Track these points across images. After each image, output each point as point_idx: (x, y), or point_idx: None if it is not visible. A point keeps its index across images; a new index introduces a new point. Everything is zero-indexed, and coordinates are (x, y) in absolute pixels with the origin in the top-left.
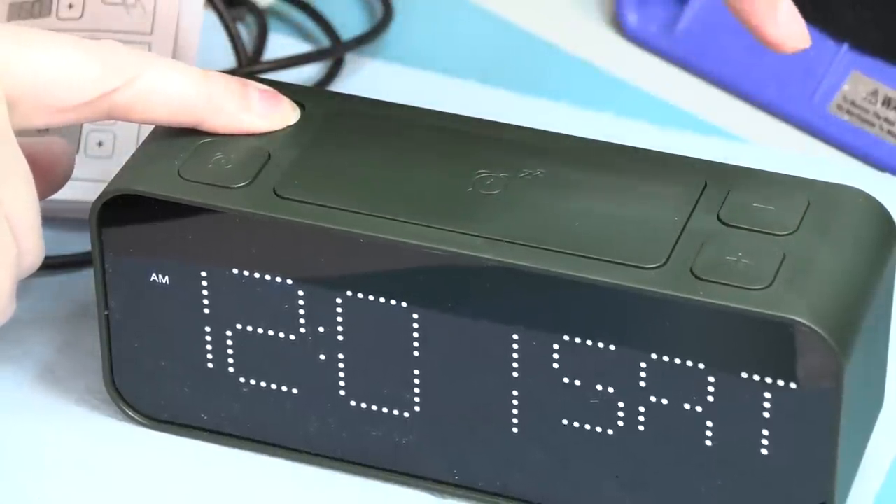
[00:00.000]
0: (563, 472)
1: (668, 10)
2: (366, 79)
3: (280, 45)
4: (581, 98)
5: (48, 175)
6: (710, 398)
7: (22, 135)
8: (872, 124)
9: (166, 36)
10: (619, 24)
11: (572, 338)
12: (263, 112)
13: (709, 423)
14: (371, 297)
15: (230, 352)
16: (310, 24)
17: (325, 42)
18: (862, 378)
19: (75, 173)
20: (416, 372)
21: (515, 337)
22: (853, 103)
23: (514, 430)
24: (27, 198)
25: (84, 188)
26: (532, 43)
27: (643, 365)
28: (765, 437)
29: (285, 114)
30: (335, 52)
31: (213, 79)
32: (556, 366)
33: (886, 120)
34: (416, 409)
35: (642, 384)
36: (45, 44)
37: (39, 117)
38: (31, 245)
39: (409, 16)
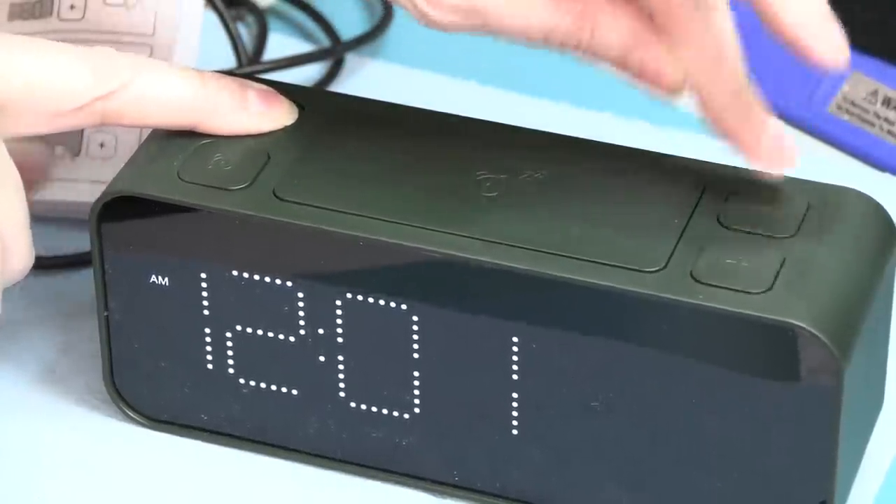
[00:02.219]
0: (563, 473)
1: None
2: (366, 79)
3: (280, 45)
4: (581, 98)
5: (26, 180)
6: (711, 400)
7: (11, 142)
8: (872, 124)
9: (167, 36)
10: None
11: (572, 340)
12: (261, 112)
13: (709, 425)
14: (371, 299)
15: (230, 353)
16: (310, 24)
17: (325, 42)
18: (862, 380)
19: (76, 174)
20: (416, 374)
21: (515, 339)
22: (853, 103)
23: (514, 431)
24: (17, 204)
25: (84, 189)
26: None
27: (643, 367)
28: (765, 438)
29: (283, 114)
30: (335, 52)
31: (210, 80)
32: (555, 368)
33: (886, 120)
34: (416, 410)
35: (642, 386)
36: (36, 50)
37: (31, 124)
38: (21, 251)
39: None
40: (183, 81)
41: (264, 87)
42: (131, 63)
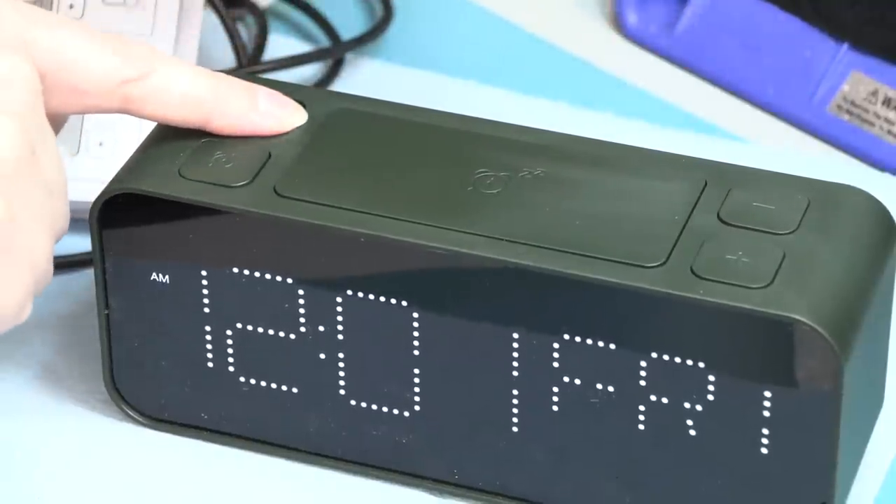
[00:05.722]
0: (563, 472)
1: (668, 10)
2: (366, 79)
3: (280, 45)
4: (581, 98)
5: None
6: (710, 397)
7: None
8: (872, 124)
9: (166, 36)
10: (619, 24)
11: (572, 337)
12: (270, 112)
13: (709, 423)
14: (371, 297)
15: (230, 351)
16: (310, 24)
17: (325, 42)
18: (862, 377)
19: (75, 173)
20: (416, 371)
21: (515, 336)
22: (853, 103)
23: (514, 429)
24: (60, 164)
25: (84, 188)
26: (532, 43)
27: (643, 364)
28: (765, 436)
29: (292, 114)
30: (335, 52)
31: (222, 79)
32: (556, 365)
33: (886, 120)
34: (416, 408)
35: (642, 383)
36: (69, 27)
37: (61, 103)
38: (64, 209)
39: (409, 16)
40: (198, 77)
41: (272, 90)
42: (151, 53)
